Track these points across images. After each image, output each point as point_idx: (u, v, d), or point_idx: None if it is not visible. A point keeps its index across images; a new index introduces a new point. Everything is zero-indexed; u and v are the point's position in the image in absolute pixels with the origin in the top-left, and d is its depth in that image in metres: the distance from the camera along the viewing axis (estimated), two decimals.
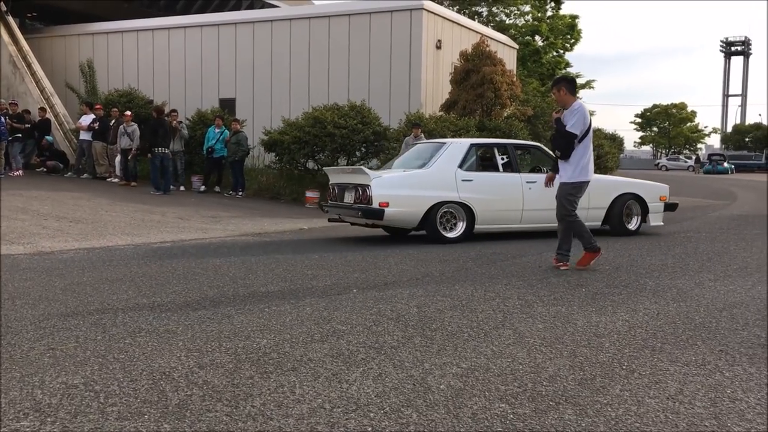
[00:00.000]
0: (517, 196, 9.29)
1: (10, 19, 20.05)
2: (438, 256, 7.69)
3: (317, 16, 18.51)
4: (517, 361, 3.75)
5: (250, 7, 24.88)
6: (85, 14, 22.88)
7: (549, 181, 7.30)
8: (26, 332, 4.19)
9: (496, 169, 9.47)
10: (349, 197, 9.16)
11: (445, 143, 9.64)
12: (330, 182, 9.84)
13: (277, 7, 23.79)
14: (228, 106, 18.77)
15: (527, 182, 9.34)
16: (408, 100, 17.10)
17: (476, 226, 9.08)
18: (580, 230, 6.81)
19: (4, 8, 19.87)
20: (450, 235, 8.95)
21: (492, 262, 7.27)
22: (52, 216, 10.27)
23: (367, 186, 8.71)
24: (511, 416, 2.98)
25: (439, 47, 17.97)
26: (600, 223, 9.82)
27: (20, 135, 16.73)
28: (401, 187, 8.89)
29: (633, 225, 10.01)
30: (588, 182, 6.83)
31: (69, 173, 17.21)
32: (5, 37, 19.45)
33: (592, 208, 9.37)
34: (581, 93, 59.35)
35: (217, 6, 24.82)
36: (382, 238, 9.71)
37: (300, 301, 5.21)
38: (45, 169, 17.71)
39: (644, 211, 10.04)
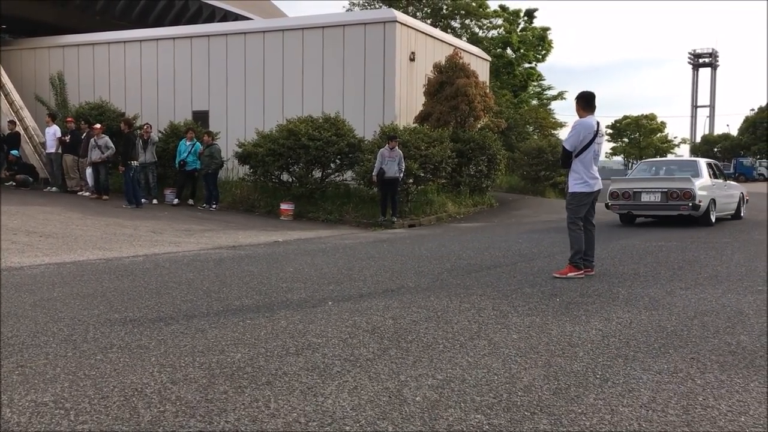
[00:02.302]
0: (726, 193, 14.15)
1: None
2: (413, 268, 7.70)
3: (291, 29, 18.50)
4: (493, 372, 3.76)
5: (223, 19, 24.80)
6: (56, 26, 22.61)
7: None
8: None
9: (716, 177, 14.10)
10: (652, 197, 12.94)
11: (696, 161, 14.82)
12: (615, 187, 13.37)
13: (251, 19, 23.74)
14: (201, 118, 18.66)
15: (723, 185, 14.17)
16: (382, 111, 17.14)
17: (716, 214, 13.43)
18: (576, 241, 7.02)
19: None
20: (712, 218, 13.23)
21: (467, 273, 7.29)
22: (21, 230, 10.10)
23: (690, 189, 12.57)
24: (487, 427, 2.99)
25: (412, 59, 18.07)
26: (732, 213, 14.42)
27: None
28: (701, 189, 12.84)
29: (742, 213, 14.96)
30: (592, 193, 7.19)
31: (52, 188, 16.92)
32: None
33: (730, 202, 14.28)
34: (554, 105, 59.98)
35: (190, 18, 24.71)
36: (357, 250, 9.70)
37: (275, 315, 5.18)
38: (14, 183, 17.43)
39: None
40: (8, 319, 4.91)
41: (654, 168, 15.25)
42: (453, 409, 3.20)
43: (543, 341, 4.41)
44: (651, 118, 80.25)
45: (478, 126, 18.86)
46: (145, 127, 15.76)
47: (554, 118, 35.06)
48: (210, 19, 24.82)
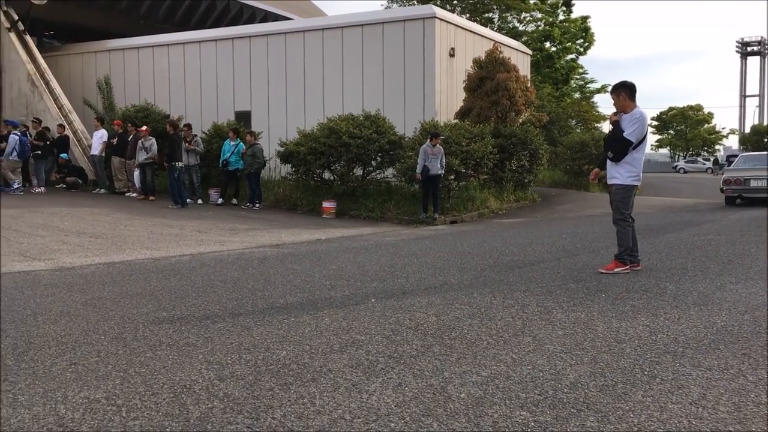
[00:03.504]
0: None
1: (28, 37, 20.33)
2: (456, 264, 7.67)
3: (330, 27, 18.59)
4: (538, 369, 3.73)
5: (264, 20, 25.06)
6: (102, 31, 23.16)
7: (595, 177, 7.55)
8: (48, 348, 4.24)
9: None
10: (759, 183, 16.35)
11: None
12: (728, 175, 17.18)
13: (291, 19, 23.94)
14: (244, 118, 18.89)
15: None
16: (422, 108, 17.11)
17: None
18: (625, 237, 6.90)
19: (21, 27, 20.17)
20: None
21: (510, 269, 7.24)
22: (72, 232, 10.38)
23: None
24: (533, 424, 2.97)
25: (452, 55, 17.98)
26: None
27: (40, 152, 16.97)
28: None
29: None
30: (637, 186, 7.06)
31: (100, 189, 17.37)
32: (23, 55, 19.74)
33: None
34: (596, 98, 59.04)
35: (231, 20, 25.04)
36: (399, 247, 9.70)
37: (319, 312, 5.22)
38: (64, 186, 17.93)
39: None
40: (61, 318, 5.05)
41: (754, 161, 18.23)
42: (498, 406, 3.18)
43: (589, 337, 4.36)
44: (697, 109, 78.44)
45: (520, 120, 18.68)
46: (185, 130, 15.95)
47: (597, 111, 34.52)
48: (251, 20, 25.12)
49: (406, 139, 15.58)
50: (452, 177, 15.12)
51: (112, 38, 22.05)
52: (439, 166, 13.88)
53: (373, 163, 15.59)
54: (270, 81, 19.15)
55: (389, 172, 15.77)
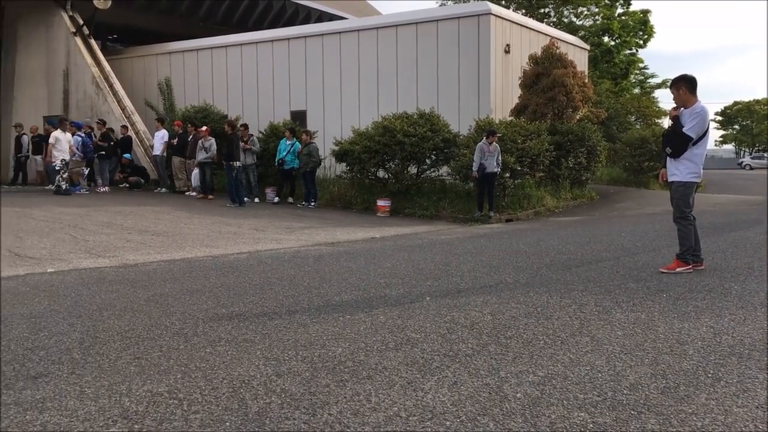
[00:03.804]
0: None
1: (93, 41, 21.02)
2: (511, 263, 7.60)
3: (385, 26, 18.62)
4: (596, 369, 3.66)
5: (319, 20, 25.28)
6: (162, 34, 23.76)
7: (663, 177, 7.13)
8: (113, 342, 4.38)
9: None
10: None
11: None
12: None
13: (346, 19, 24.09)
14: (299, 118, 19.11)
15: None
16: (477, 105, 16.98)
17: None
18: (686, 235, 6.70)
19: (86, 31, 20.86)
20: None
21: (567, 268, 7.13)
22: (135, 230, 10.68)
23: None
24: (591, 425, 2.92)
25: (507, 51, 17.79)
26: None
27: (104, 152, 17.54)
28: None
29: None
30: (697, 183, 6.86)
31: (161, 189, 17.87)
32: (88, 59, 20.41)
33: None
34: (657, 93, 57.50)
35: (288, 21, 25.35)
36: (454, 245, 9.67)
37: (374, 310, 5.25)
38: (127, 185, 18.48)
39: None
40: (125, 314, 5.21)
41: None
42: (555, 406, 3.14)
43: (649, 338, 4.26)
44: (765, 103, 75.63)
45: (577, 117, 18.35)
46: (242, 129, 16.21)
47: (658, 107, 33.64)
48: (306, 21, 25.38)
49: (461, 136, 15.50)
50: (507, 175, 14.97)
51: (172, 41, 22.58)
52: (495, 164, 13.76)
53: (428, 161, 15.56)
54: (325, 80, 19.31)
55: (443, 170, 15.71)
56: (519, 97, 17.86)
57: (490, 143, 13.66)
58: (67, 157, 16.10)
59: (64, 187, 15.90)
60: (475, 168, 13.70)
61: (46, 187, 18.42)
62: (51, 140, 15.99)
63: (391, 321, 4.87)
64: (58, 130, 16.05)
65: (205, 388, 3.47)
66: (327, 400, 3.28)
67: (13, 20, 22.26)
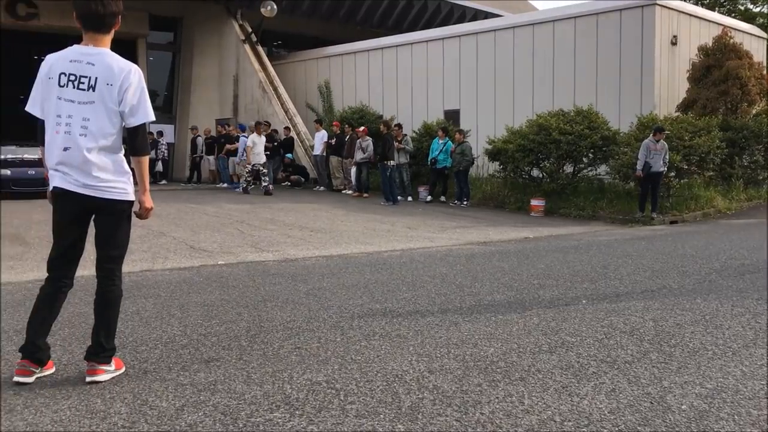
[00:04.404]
0: None
1: (260, 48, 22.33)
2: (676, 267, 7.17)
3: (541, 22, 18.21)
4: None
5: (474, 19, 25.19)
6: (322, 39, 24.76)
7: None
8: (276, 332, 4.63)
9: None
10: None
11: None
12: None
13: (501, 16, 23.83)
14: (452, 117, 19.14)
15: None
16: (639, 101, 16.15)
17: None
18: None
19: (254, 39, 22.19)
20: None
21: (740, 275, 6.62)
22: (295, 226, 11.22)
23: None
24: None
25: (674, 43, 16.77)
26: None
27: (268, 153, 18.55)
28: None
29: None
30: None
31: (320, 187, 18.69)
32: (255, 64, 21.71)
33: None
34: None
35: (442, 21, 25.50)
36: (613, 247, 9.28)
37: (527, 311, 5.16)
38: (289, 183, 19.45)
39: None
40: (287, 305, 5.49)
41: None
42: (725, 421, 2.94)
43: None
44: None
45: (753, 112, 16.95)
46: (396, 129, 16.50)
47: None
48: (461, 20, 25.38)
49: (621, 134, 14.83)
50: (672, 174, 14.12)
51: (331, 45, 23.45)
52: (661, 162, 13.02)
53: (585, 159, 15.03)
54: (479, 79, 19.21)
55: (602, 169, 15.11)
56: (687, 91, 16.79)
57: (657, 141, 12.95)
58: (263, 160, 17.12)
59: (259, 186, 16.76)
60: (639, 166, 13.04)
61: (218, 185, 19.83)
62: (248, 143, 17.03)
63: (545, 323, 4.76)
64: (254, 134, 17.09)
65: (360, 380, 3.58)
66: (479, 400, 3.27)
67: (191, 29, 24.16)
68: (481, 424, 2.98)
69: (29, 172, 15.41)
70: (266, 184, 16.75)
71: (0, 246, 8.29)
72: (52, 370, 3.68)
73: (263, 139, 17.37)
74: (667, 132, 13.35)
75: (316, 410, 3.17)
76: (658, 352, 4.01)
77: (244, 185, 17.08)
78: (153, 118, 3.63)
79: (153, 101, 3.66)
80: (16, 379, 3.51)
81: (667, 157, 13.09)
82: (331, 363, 3.90)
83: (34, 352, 3.54)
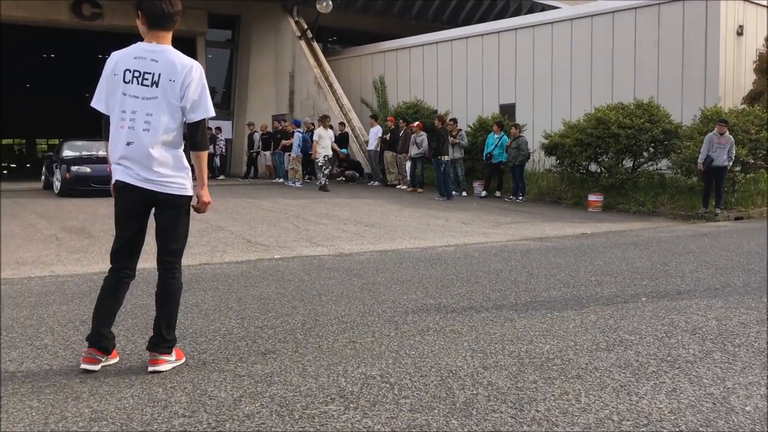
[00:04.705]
0: None
1: (315, 44, 22.53)
2: (741, 265, 6.95)
3: (600, 14, 17.82)
4: None
5: (530, 11, 24.84)
6: (377, 34, 24.80)
7: None
8: (331, 325, 4.67)
9: None
10: None
11: None
12: None
13: (558, 8, 23.42)
14: (508, 111, 18.92)
15: None
16: (703, 94, 15.66)
17: None
18: None
19: (310, 35, 22.40)
20: None
21: None
22: (350, 221, 11.29)
23: None
24: None
25: (740, 33, 16.20)
26: None
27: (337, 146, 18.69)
28: None
29: None
30: None
31: (374, 182, 18.75)
32: (311, 60, 21.90)
33: None
34: None
35: (497, 15, 25.23)
36: (674, 244, 9.04)
37: (584, 308, 5.08)
38: (344, 178, 19.58)
39: None
40: (341, 299, 5.53)
41: None
42: None
43: None
44: None
45: None
46: (450, 124, 16.41)
47: None
48: (516, 13, 25.07)
49: (684, 127, 14.41)
50: (738, 169, 13.66)
51: (386, 40, 23.47)
52: (725, 156, 12.59)
53: (645, 154, 14.66)
54: (535, 72, 18.93)
55: (663, 163, 14.72)
56: (753, 83, 16.20)
57: (721, 134, 12.53)
58: (330, 153, 17.13)
59: (323, 182, 16.67)
60: (700, 160, 12.65)
61: (274, 180, 20.09)
62: (315, 137, 17.08)
63: (603, 320, 4.68)
64: (321, 127, 17.17)
65: (414, 375, 3.59)
66: (534, 397, 3.24)
67: (248, 27, 24.54)
68: (537, 421, 2.95)
69: (108, 169, 15.53)
70: (321, 180, 16.80)
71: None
72: (116, 360, 3.80)
73: (330, 132, 17.45)
74: (729, 124, 12.90)
75: (370, 404, 3.19)
76: (721, 351, 3.90)
77: (323, 182, 16.74)
78: (213, 113, 3.70)
79: (211, 98, 3.74)
80: (83, 366, 3.64)
81: (733, 151, 12.66)
82: (386, 357, 3.91)
83: (100, 340, 3.66)
